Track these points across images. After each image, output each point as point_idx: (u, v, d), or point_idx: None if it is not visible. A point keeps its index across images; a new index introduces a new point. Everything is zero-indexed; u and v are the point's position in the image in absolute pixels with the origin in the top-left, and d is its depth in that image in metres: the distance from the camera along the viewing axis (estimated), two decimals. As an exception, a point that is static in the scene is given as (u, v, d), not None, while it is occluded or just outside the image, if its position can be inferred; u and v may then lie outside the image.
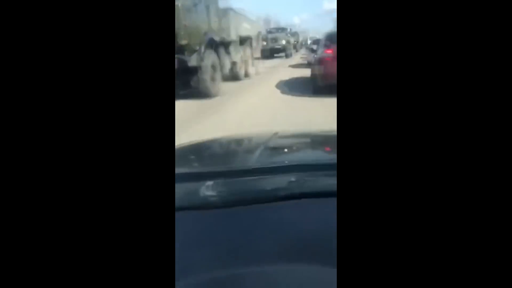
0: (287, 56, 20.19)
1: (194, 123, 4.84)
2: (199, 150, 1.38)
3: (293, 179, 0.80)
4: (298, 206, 0.70)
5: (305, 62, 14.27)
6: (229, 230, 0.65)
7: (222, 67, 7.98)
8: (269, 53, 19.90)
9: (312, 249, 0.56)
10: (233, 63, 9.23)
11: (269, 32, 22.18)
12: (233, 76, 9.54)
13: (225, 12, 8.75)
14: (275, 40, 20.42)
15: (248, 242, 0.60)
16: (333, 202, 0.51)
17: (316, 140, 1.53)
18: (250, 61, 11.08)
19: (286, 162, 1.02)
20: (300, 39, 29.75)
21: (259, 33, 22.11)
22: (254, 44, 11.81)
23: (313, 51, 9.08)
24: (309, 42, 24.15)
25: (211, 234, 0.64)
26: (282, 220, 0.66)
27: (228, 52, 8.88)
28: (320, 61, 6.29)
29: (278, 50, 20.45)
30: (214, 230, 0.65)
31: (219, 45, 8.13)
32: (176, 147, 1.11)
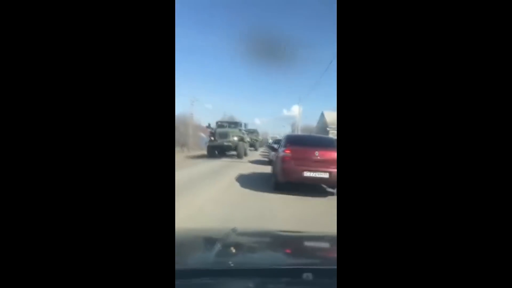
0: (239, 156, 15.45)
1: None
2: None
3: (250, 285, 0.74)
4: None
5: (266, 159, 14.58)
6: None
7: None
8: (219, 151, 15.76)
9: None
10: None
11: (219, 125, 17.27)
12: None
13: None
14: (225, 135, 15.55)
15: None
16: None
17: (277, 241, 1.46)
18: None
19: (236, 264, 0.96)
20: (261, 138, 30.35)
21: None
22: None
23: (274, 149, 9.44)
24: (270, 141, 25.11)
25: None
26: None
27: None
28: (281, 160, 6.51)
29: (229, 148, 15.70)
30: None
31: None
32: None
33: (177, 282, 0.74)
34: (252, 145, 23.31)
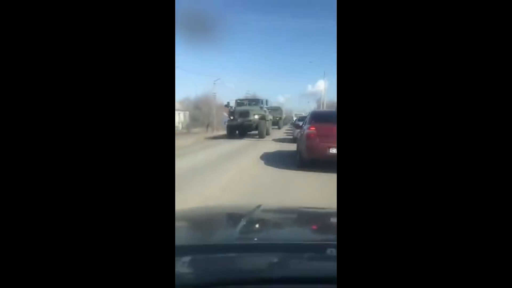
0: (260, 135, 14.47)
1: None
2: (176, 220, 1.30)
3: (275, 259, 0.75)
4: None
5: (290, 137, 14.27)
6: None
7: None
8: (240, 131, 14.98)
9: None
10: None
11: (239, 103, 16.37)
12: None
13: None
14: (245, 114, 14.62)
15: None
16: None
17: (301, 217, 1.47)
18: None
19: (260, 240, 1.00)
20: (284, 115, 29.53)
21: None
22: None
23: (298, 127, 9.35)
24: (294, 118, 24.19)
25: None
26: None
27: None
28: (306, 137, 6.42)
29: (249, 127, 14.76)
30: None
31: None
32: None
33: (202, 256, 0.77)
34: (275, 123, 22.57)
